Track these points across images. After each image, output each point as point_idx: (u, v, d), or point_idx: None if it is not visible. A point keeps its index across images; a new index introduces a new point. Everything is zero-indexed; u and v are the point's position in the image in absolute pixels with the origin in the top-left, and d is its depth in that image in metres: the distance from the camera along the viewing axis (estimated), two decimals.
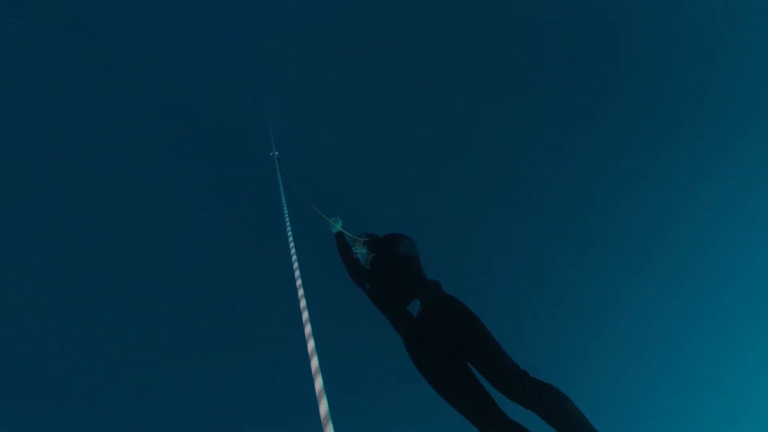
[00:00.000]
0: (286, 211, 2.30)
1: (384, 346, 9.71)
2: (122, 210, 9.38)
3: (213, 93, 9.87)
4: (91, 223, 9.18)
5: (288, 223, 2.36)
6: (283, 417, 9.29)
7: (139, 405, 8.88)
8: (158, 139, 9.77)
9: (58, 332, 8.84)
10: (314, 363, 1.08)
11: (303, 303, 1.46)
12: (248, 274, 9.85)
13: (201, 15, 9.57)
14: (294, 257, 1.88)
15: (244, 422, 9.38)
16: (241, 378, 9.48)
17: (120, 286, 9.25)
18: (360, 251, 2.91)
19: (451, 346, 1.96)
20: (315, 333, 1.54)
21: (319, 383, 1.01)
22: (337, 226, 3.20)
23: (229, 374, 9.42)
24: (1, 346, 8.45)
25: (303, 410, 8.39)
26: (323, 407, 1.00)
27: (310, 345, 1.19)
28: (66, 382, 8.77)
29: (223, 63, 9.85)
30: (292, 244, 2.07)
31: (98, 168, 9.17)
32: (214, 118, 9.99)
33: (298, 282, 1.71)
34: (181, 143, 9.97)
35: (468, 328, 1.99)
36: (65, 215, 9.07)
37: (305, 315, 1.37)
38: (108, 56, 9.03)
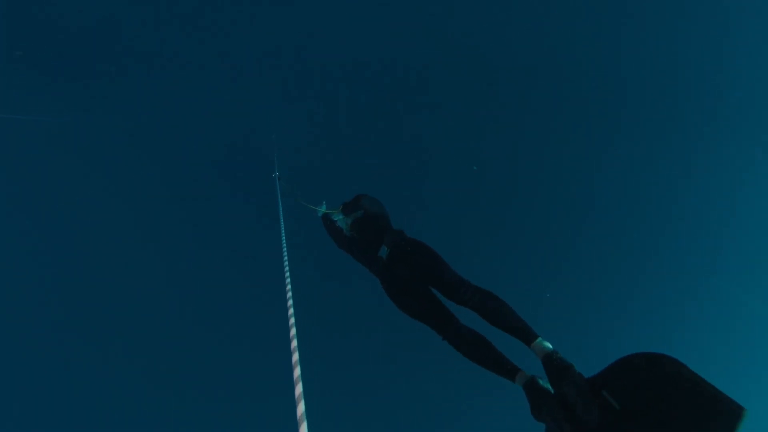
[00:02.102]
0: (285, 248, 2.51)
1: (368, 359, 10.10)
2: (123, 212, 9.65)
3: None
4: (103, 231, 9.46)
5: (285, 250, 2.56)
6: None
7: (134, 410, 9.12)
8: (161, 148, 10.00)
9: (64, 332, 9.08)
10: (298, 390, 1.29)
11: (293, 332, 1.67)
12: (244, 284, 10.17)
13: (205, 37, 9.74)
14: (288, 288, 2.08)
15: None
16: (228, 386, 9.73)
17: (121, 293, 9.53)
18: (338, 218, 3.30)
19: (414, 275, 2.46)
20: (301, 353, 1.75)
21: (301, 409, 1.23)
22: (322, 210, 3.64)
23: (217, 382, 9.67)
24: None
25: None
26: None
27: (296, 372, 1.40)
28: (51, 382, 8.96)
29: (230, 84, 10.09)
30: (287, 269, 2.27)
31: (107, 176, 9.42)
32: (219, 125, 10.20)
33: (290, 305, 1.92)
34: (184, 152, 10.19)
35: (424, 258, 2.50)
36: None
37: (293, 344, 1.58)
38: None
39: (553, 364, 1.81)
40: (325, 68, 10.39)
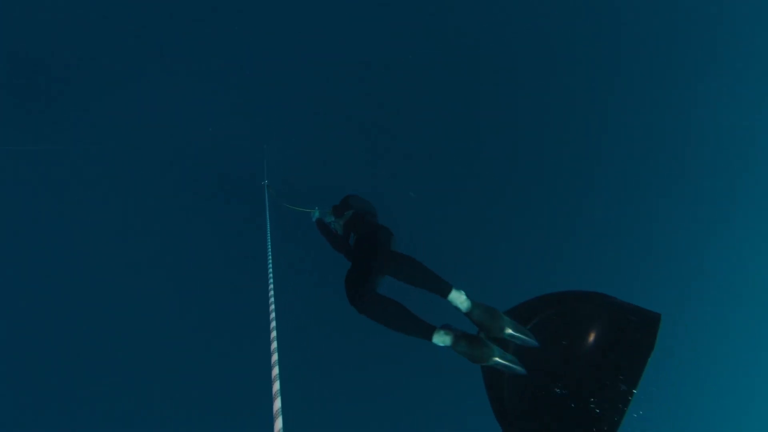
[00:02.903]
0: (270, 252, 2.67)
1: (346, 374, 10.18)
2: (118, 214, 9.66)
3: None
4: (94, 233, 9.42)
5: (270, 254, 2.72)
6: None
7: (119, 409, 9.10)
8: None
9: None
10: (275, 387, 1.47)
11: (273, 334, 1.84)
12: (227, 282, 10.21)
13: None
14: (271, 293, 2.24)
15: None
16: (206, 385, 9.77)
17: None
18: (330, 220, 3.47)
19: (370, 257, 2.47)
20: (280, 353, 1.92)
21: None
22: (316, 214, 3.74)
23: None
24: None
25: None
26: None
27: (275, 386, 1.57)
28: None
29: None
30: (270, 272, 2.43)
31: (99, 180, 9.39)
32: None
33: (272, 316, 2.09)
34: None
35: (372, 237, 2.59)
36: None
37: (273, 345, 1.76)
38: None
39: (482, 310, 1.96)
40: (319, 73, 10.51)
